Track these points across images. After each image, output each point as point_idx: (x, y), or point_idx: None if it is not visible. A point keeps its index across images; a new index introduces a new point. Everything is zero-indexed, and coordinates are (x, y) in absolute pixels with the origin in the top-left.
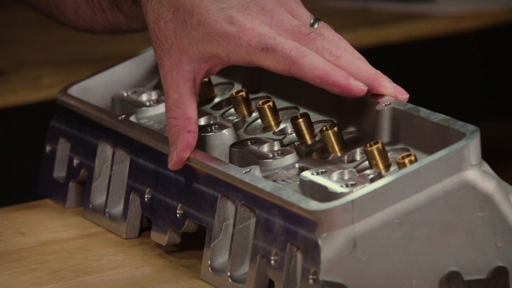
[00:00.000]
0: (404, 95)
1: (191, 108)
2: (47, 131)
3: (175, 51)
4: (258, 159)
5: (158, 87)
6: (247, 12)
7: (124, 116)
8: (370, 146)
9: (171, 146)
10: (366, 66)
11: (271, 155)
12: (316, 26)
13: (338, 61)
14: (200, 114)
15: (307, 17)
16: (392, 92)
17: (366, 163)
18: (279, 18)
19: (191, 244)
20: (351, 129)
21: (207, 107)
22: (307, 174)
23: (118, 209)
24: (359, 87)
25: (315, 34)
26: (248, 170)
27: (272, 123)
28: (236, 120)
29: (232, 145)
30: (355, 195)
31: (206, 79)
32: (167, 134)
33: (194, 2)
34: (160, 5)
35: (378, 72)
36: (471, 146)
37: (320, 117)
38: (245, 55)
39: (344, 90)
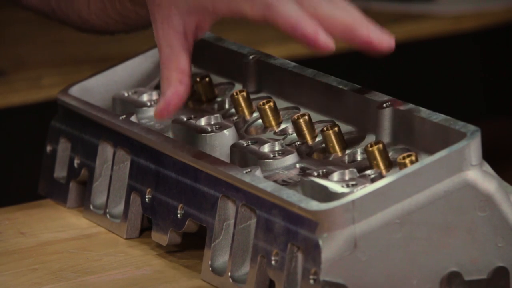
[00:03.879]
0: (381, 39)
1: (184, 61)
2: (47, 131)
3: (165, 5)
4: (259, 159)
5: (159, 87)
6: None
7: (124, 116)
8: (371, 146)
9: (161, 96)
10: (345, 15)
11: (272, 155)
12: None
13: (316, 11)
14: (201, 114)
15: None
16: (365, 40)
17: (367, 163)
18: None
19: (192, 244)
20: (352, 129)
21: (208, 107)
22: (307, 174)
23: (118, 209)
24: (326, 43)
25: None
26: (249, 170)
27: (273, 123)
28: (237, 120)
29: (233, 145)
30: (356, 195)
31: (208, 79)
32: (170, 135)
33: None
34: None
35: (357, 21)
36: (472, 146)
37: (321, 117)
38: (227, 2)
39: (310, 42)
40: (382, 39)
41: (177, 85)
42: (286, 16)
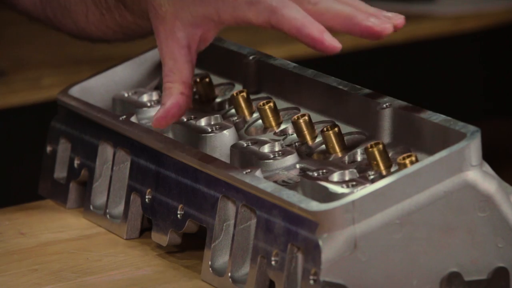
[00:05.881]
0: (383, 25)
1: (187, 74)
2: (47, 131)
3: (169, 18)
4: (259, 159)
5: (159, 87)
6: None
7: (125, 116)
8: (371, 146)
9: (161, 105)
10: (344, 7)
11: (272, 156)
12: None
13: (316, 7)
14: (201, 114)
15: None
16: (365, 30)
17: (367, 163)
18: None
19: (192, 244)
20: (352, 129)
21: (208, 108)
22: (307, 175)
23: (118, 209)
24: (332, 43)
25: None
26: (249, 170)
27: (273, 123)
28: (237, 120)
29: (233, 146)
30: (356, 196)
31: (208, 80)
32: (170, 135)
33: None
34: None
35: (355, 11)
36: (472, 146)
37: (321, 118)
38: (232, 10)
39: (317, 43)
40: (382, 23)
41: (178, 96)
42: (291, 19)
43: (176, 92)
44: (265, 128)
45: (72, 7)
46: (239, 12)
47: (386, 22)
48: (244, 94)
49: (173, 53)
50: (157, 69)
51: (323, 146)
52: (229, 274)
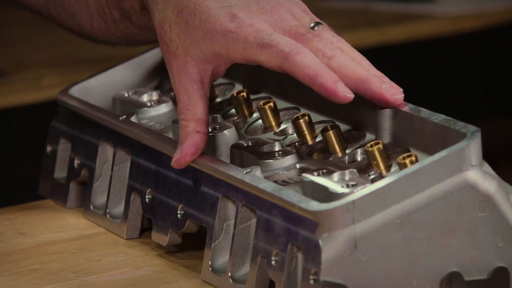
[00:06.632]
0: (396, 95)
1: (201, 110)
2: (47, 131)
3: (181, 54)
4: (259, 159)
5: (159, 87)
6: (247, 9)
7: (125, 116)
8: (371, 146)
9: (179, 145)
10: (358, 68)
11: (272, 156)
12: (316, 29)
13: (330, 62)
14: None
15: (308, 20)
16: (377, 96)
17: (367, 163)
18: (278, 17)
19: (192, 244)
20: (352, 129)
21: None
22: (308, 175)
23: (119, 209)
24: (345, 94)
25: (311, 35)
26: (249, 170)
27: (273, 123)
28: (237, 120)
29: (233, 146)
30: (356, 196)
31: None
32: (170, 135)
33: (197, 2)
34: (165, 8)
35: (371, 74)
36: (472, 146)
37: (321, 118)
38: (242, 50)
39: (330, 93)
40: (394, 93)
41: (194, 135)
42: (304, 66)
43: (191, 131)
44: (265, 128)
45: (77, 12)
46: (249, 53)
47: (397, 92)
48: (244, 94)
49: (186, 88)
50: (157, 69)
51: (323, 145)
52: (229, 274)
